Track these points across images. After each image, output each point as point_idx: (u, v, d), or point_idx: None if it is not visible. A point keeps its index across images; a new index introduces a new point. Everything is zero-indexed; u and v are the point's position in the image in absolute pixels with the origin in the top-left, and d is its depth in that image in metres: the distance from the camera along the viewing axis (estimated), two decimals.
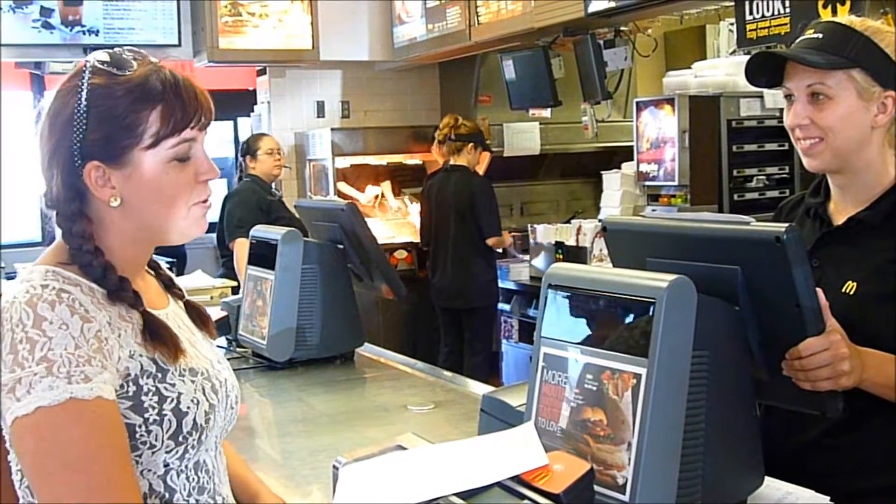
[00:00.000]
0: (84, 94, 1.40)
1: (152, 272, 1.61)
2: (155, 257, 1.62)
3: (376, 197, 7.09)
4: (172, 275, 1.67)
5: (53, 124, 1.42)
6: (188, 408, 1.41)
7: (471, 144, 6.02)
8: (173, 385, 1.41)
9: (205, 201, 1.49)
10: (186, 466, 1.44)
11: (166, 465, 1.41)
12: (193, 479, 1.46)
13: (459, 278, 5.93)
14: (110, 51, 1.45)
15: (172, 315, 1.55)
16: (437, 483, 1.48)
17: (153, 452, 1.39)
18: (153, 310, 1.48)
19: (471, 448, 1.61)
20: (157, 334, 1.42)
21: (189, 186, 1.45)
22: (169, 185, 1.43)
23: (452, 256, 5.94)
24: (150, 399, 1.38)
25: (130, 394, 1.37)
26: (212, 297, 4.18)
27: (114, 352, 1.35)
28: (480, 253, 5.93)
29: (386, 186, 7.14)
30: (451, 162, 6.08)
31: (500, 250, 6.14)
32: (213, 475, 1.50)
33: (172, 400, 1.40)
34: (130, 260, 1.48)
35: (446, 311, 6.14)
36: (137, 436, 1.37)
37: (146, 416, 1.37)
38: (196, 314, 1.63)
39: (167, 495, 1.42)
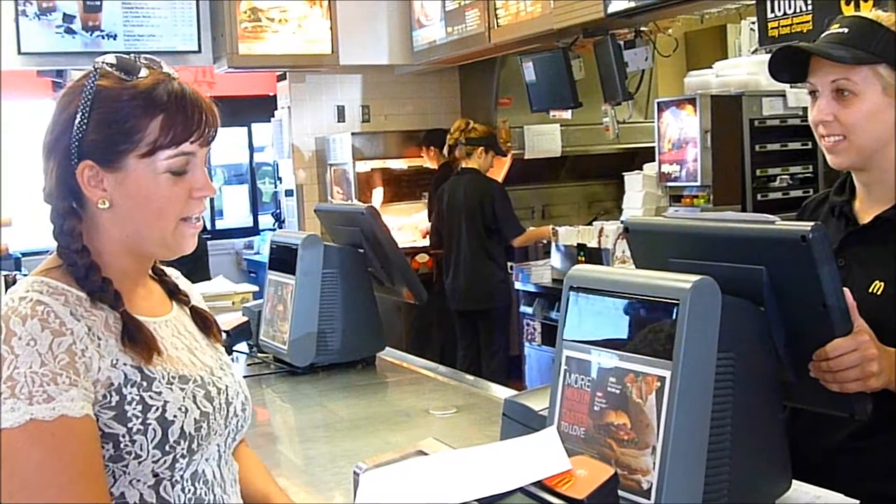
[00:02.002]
0: (90, 94, 1.40)
1: (156, 278, 1.60)
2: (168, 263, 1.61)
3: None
4: (179, 281, 1.65)
5: (56, 121, 1.43)
6: (175, 416, 1.39)
7: (481, 148, 6.04)
8: (159, 393, 1.39)
9: (196, 220, 1.47)
10: (182, 477, 1.42)
11: (156, 476, 1.39)
12: (189, 490, 1.43)
13: (471, 280, 5.97)
14: (122, 55, 1.45)
15: (173, 322, 1.53)
16: (459, 488, 1.46)
17: (139, 462, 1.37)
18: (151, 317, 1.48)
19: (493, 453, 1.59)
20: (132, 335, 1.40)
21: (180, 201, 1.44)
22: (159, 197, 1.42)
23: (464, 259, 5.98)
24: (134, 408, 1.36)
25: (113, 403, 1.35)
26: (233, 303, 4.18)
27: (93, 362, 1.34)
28: (491, 255, 5.97)
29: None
30: (462, 165, 6.11)
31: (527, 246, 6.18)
32: (214, 486, 1.47)
33: (157, 409, 1.38)
34: (125, 270, 1.46)
35: (460, 314, 6.17)
36: (122, 445, 1.35)
37: (129, 425, 1.35)
38: (200, 320, 1.61)
39: None
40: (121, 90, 1.41)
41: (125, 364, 1.38)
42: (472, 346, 6.18)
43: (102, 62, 1.43)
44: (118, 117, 1.39)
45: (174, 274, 1.66)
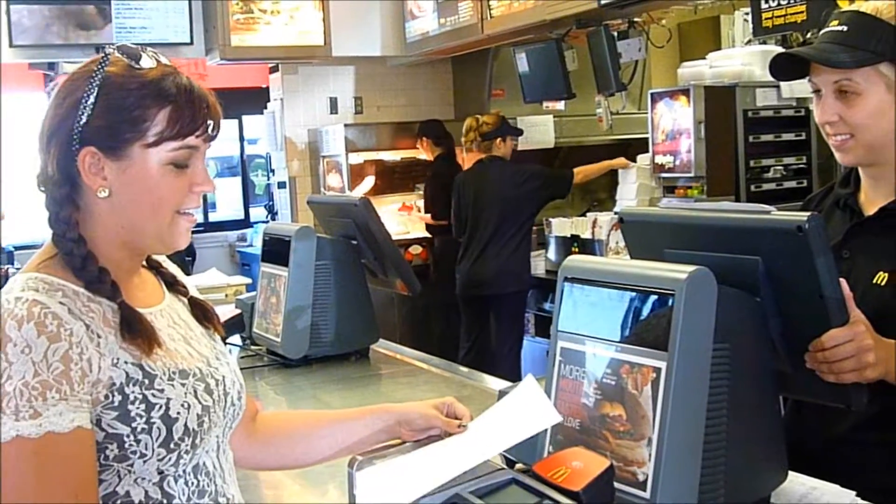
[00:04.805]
0: (98, 80, 1.39)
1: (153, 270, 1.58)
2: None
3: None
4: (177, 272, 1.63)
5: (60, 105, 1.41)
6: (178, 413, 1.37)
7: (498, 139, 5.94)
8: (161, 391, 1.37)
9: (192, 215, 1.46)
10: (185, 471, 1.41)
11: (161, 473, 1.38)
12: (192, 482, 1.42)
13: (494, 266, 5.76)
14: (132, 46, 1.44)
15: (167, 311, 1.51)
16: (453, 464, 1.46)
17: (145, 461, 1.35)
18: (144, 308, 1.45)
19: (482, 424, 1.60)
20: (130, 326, 1.38)
21: (180, 194, 1.43)
22: (160, 188, 1.41)
23: (490, 244, 5.76)
24: (137, 407, 1.34)
25: (116, 404, 1.33)
26: (226, 295, 4.17)
27: (92, 364, 1.31)
28: (522, 240, 5.81)
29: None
30: (485, 155, 5.95)
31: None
32: (215, 476, 1.47)
33: (161, 407, 1.36)
34: (119, 262, 1.44)
35: (474, 300, 5.94)
36: (126, 445, 1.33)
37: (133, 425, 1.34)
38: (201, 311, 1.59)
39: (164, 502, 1.38)
40: (130, 78, 1.39)
41: (126, 362, 1.35)
42: (480, 337, 5.97)
43: (113, 50, 1.43)
44: (126, 105, 1.38)
45: (171, 265, 1.63)
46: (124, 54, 1.42)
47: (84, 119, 1.38)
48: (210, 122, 1.44)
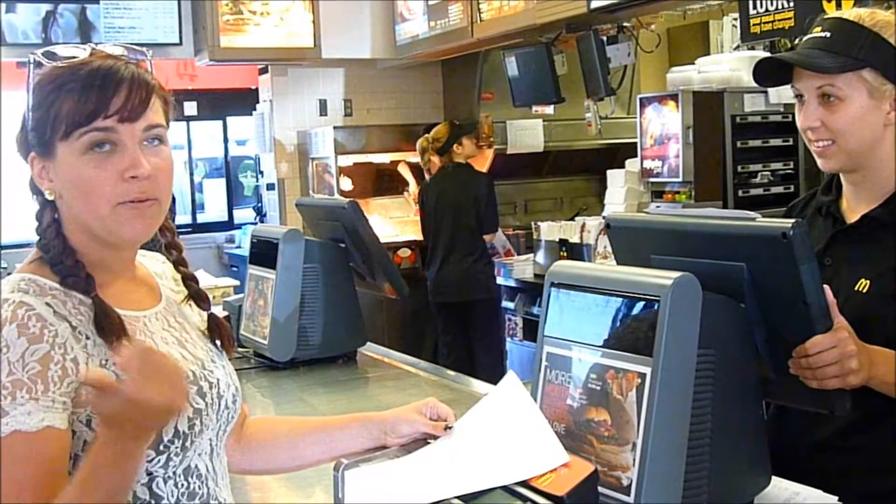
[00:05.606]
0: (30, 87, 1.40)
1: (187, 280, 1.58)
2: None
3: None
4: (198, 286, 1.61)
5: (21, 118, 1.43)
6: None
7: (454, 146, 6.03)
8: None
9: (138, 201, 1.38)
10: (175, 473, 1.40)
11: (150, 474, 1.37)
12: (183, 485, 1.41)
13: (458, 272, 5.90)
14: (61, 45, 1.44)
15: (162, 314, 1.50)
16: (445, 478, 1.47)
17: None
18: (137, 310, 1.45)
19: (466, 423, 1.60)
20: (99, 320, 1.36)
21: (109, 183, 1.36)
22: (85, 180, 1.37)
23: (451, 251, 5.90)
24: None
25: None
26: (214, 297, 4.15)
27: (78, 364, 1.31)
28: (481, 247, 5.91)
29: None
30: (448, 163, 6.09)
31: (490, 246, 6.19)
32: (207, 479, 1.46)
33: None
34: (101, 261, 1.43)
35: (444, 307, 6.07)
36: None
37: None
38: (216, 331, 1.58)
39: (153, 503, 1.38)
40: (49, 77, 1.39)
41: (115, 363, 1.33)
42: (455, 343, 6.08)
43: (39, 52, 1.42)
44: (44, 103, 1.38)
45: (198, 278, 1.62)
46: (48, 54, 1.41)
47: (28, 128, 1.40)
48: (125, 101, 1.37)
